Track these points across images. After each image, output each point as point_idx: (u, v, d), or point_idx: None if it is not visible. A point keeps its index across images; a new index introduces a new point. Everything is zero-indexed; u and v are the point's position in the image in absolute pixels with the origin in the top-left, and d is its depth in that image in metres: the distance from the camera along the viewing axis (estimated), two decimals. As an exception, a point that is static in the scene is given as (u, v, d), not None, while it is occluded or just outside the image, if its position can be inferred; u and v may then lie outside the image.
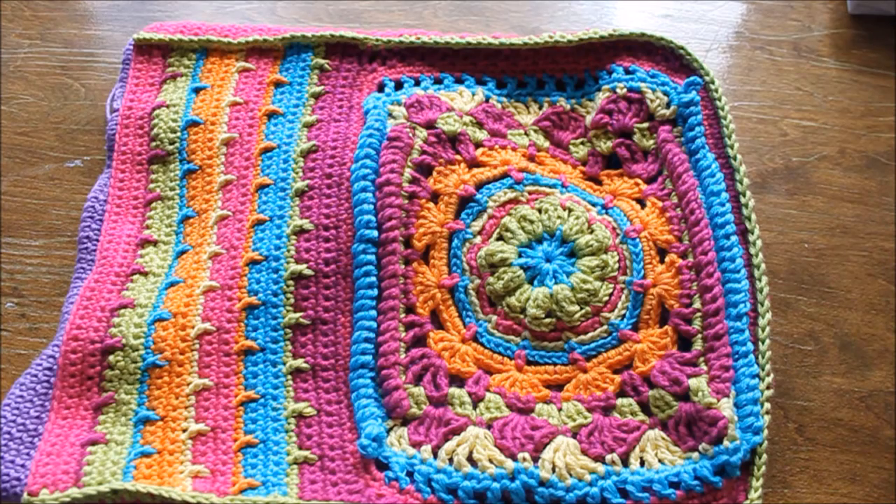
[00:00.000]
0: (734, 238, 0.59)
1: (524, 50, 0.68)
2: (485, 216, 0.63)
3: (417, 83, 0.68)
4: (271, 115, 0.67)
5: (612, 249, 0.61)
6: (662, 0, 0.78)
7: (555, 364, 0.59)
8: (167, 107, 0.67)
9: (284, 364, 0.58)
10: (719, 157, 0.63)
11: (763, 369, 0.56)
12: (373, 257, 0.59)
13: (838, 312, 0.64)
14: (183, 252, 0.63)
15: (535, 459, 0.54)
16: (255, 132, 0.66)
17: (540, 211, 0.62)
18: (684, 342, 0.59)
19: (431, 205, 0.62)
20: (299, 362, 0.58)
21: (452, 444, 0.54)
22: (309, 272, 0.59)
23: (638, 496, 0.52)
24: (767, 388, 0.55)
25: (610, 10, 0.78)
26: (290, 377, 0.57)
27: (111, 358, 0.57)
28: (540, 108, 0.69)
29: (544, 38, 0.68)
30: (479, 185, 0.64)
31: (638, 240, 0.61)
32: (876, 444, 0.59)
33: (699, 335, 0.58)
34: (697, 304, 0.58)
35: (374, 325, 0.58)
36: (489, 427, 0.55)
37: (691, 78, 0.65)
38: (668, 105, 0.65)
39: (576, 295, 0.59)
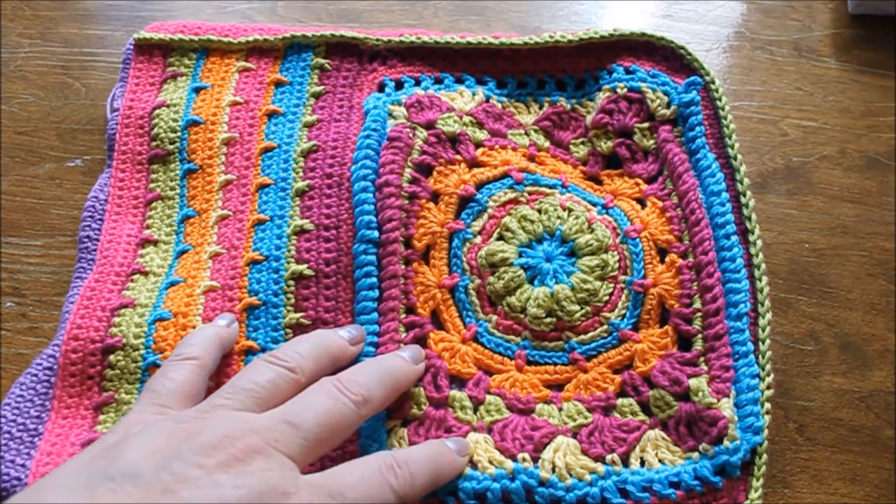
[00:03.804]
0: (734, 238, 0.59)
1: (524, 50, 0.68)
2: (485, 216, 0.63)
3: (418, 83, 0.68)
4: (272, 114, 0.67)
5: (613, 249, 0.61)
6: (662, 0, 0.78)
7: (555, 364, 0.59)
8: (167, 106, 0.67)
9: (285, 364, 0.58)
10: (719, 157, 0.63)
11: (763, 369, 0.56)
12: (373, 258, 0.59)
13: (838, 312, 0.64)
14: (183, 252, 0.63)
15: (535, 459, 0.54)
16: (256, 132, 0.66)
17: (540, 211, 0.62)
18: (684, 342, 0.59)
19: (432, 205, 0.62)
20: (300, 362, 0.58)
21: (453, 445, 0.54)
22: (309, 272, 0.59)
23: (638, 496, 0.52)
24: (768, 388, 0.55)
25: (610, 10, 0.78)
26: (290, 377, 0.57)
27: (111, 357, 0.57)
28: (540, 107, 0.68)
29: (545, 37, 0.68)
30: (480, 185, 0.63)
31: (638, 240, 0.61)
32: (876, 444, 0.59)
33: (699, 335, 0.58)
34: (698, 304, 0.58)
35: (376, 327, 0.58)
36: (489, 431, 0.55)
37: (692, 78, 0.65)
38: (668, 105, 0.65)
39: (576, 294, 0.59)
